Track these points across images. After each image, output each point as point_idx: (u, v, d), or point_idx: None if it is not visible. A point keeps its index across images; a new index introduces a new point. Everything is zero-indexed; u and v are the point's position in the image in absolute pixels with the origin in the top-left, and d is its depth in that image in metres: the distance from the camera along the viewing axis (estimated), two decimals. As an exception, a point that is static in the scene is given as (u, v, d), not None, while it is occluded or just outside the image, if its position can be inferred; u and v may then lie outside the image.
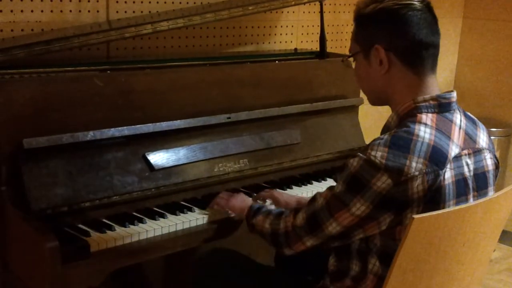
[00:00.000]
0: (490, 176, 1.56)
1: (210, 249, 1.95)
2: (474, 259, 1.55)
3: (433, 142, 1.42)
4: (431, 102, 1.49)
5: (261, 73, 2.40)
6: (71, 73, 2.01)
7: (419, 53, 1.49)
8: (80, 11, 2.24)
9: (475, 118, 1.62)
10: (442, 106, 1.49)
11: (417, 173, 1.38)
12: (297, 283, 1.80)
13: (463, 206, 1.46)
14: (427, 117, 1.46)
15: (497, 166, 1.60)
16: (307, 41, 2.99)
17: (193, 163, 2.05)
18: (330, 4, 3.05)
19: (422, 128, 1.43)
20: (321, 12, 2.62)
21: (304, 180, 2.29)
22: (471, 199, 1.50)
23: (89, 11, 2.26)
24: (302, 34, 2.98)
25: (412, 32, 1.47)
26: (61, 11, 2.20)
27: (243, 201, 1.90)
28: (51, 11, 2.18)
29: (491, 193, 1.55)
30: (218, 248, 1.95)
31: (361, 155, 1.43)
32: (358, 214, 1.43)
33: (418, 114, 1.47)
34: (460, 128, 1.50)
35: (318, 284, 1.69)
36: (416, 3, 1.49)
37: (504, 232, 3.74)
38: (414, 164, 1.38)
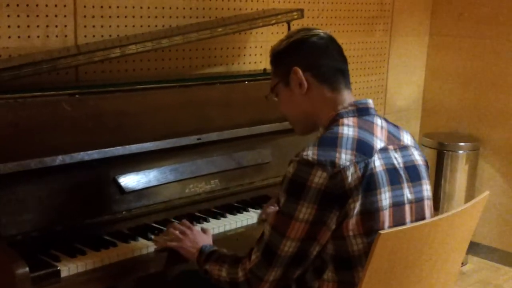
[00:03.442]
0: (422, 170, 1.64)
1: (181, 271, 1.94)
2: (442, 272, 1.57)
3: (357, 137, 1.53)
4: (350, 108, 1.61)
5: (231, 94, 2.43)
6: (40, 98, 2.00)
7: (331, 73, 1.63)
8: (48, 36, 2.24)
9: (397, 125, 1.72)
10: (361, 111, 1.61)
11: (348, 163, 1.47)
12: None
13: (428, 221, 1.50)
14: (349, 120, 1.58)
15: (427, 163, 1.69)
16: (276, 61, 3.02)
17: (164, 185, 2.06)
18: (297, 25, 3.09)
19: (345, 127, 1.56)
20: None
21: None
22: (407, 189, 1.57)
23: (57, 36, 2.26)
24: (271, 54, 3.01)
25: (323, 56, 1.64)
26: (29, 36, 2.20)
27: (194, 242, 1.83)
28: (19, 37, 2.18)
29: (425, 185, 1.64)
30: (187, 270, 1.95)
31: (295, 158, 1.52)
32: (305, 218, 1.48)
33: (340, 119, 1.59)
34: (382, 128, 1.61)
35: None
36: (321, 34, 1.67)
37: (476, 245, 3.81)
38: (343, 156, 1.48)
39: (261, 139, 2.37)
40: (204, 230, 1.94)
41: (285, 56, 1.68)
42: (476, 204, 1.60)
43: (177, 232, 1.88)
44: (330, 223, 1.48)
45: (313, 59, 1.64)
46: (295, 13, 2.64)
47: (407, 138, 1.67)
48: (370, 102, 1.66)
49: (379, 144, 1.56)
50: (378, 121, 1.63)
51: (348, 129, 1.55)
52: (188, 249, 1.81)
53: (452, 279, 1.66)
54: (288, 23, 2.65)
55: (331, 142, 1.51)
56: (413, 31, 3.88)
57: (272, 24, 2.68)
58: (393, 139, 1.62)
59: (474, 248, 3.79)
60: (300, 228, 1.49)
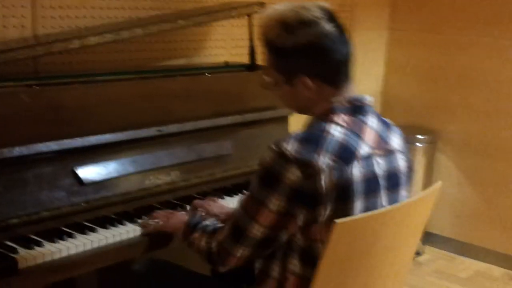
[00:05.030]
0: (402, 177, 1.63)
1: (145, 260, 1.95)
2: (395, 261, 1.61)
3: (342, 140, 1.51)
4: (345, 103, 1.58)
5: (192, 86, 2.43)
6: (-3, 89, 1.98)
7: (338, 71, 1.59)
8: (5, 26, 2.21)
9: (390, 123, 1.71)
10: (356, 109, 1.59)
11: (324, 166, 1.45)
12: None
13: (382, 210, 1.53)
14: (340, 118, 1.55)
15: (410, 168, 1.68)
16: (237, 54, 3.03)
17: (124, 176, 2.06)
18: (259, 18, 3.11)
19: (334, 126, 1.53)
20: (250, 25, 2.67)
21: (236, 190, 2.32)
22: (383, 197, 1.57)
23: (14, 26, 2.23)
24: (232, 47, 3.03)
25: (330, 57, 1.57)
26: (-14, 26, 2.17)
27: (180, 219, 1.86)
28: (-25, 27, 2.15)
29: (403, 192, 1.64)
30: (153, 260, 1.96)
31: (274, 147, 1.50)
32: (275, 209, 1.49)
33: (331, 115, 1.56)
34: (372, 129, 1.58)
35: None
36: (326, 26, 1.56)
37: (432, 235, 3.89)
38: (322, 159, 1.46)
39: (222, 131, 2.38)
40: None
41: (290, 57, 1.58)
42: (428, 194, 1.64)
43: (160, 216, 1.92)
44: (298, 218, 1.50)
45: (321, 65, 1.57)
46: (255, 6, 2.65)
47: (395, 142, 1.65)
48: (368, 99, 1.63)
49: (363, 149, 1.53)
50: (370, 121, 1.60)
51: (336, 128, 1.52)
52: (175, 225, 1.84)
53: (406, 267, 1.70)
54: (249, 16, 2.66)
55: (315, 140, 1.49)
56: (373, 25, 3.93)
57: (233, 17, 2.69)
58: (381, 142, 1.59)
59: (430, 238, 3.88)
60: (269, 216, 1.50)
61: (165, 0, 2.67)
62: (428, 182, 3.85)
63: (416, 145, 3.77)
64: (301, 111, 1.68)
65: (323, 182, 1.45)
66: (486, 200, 3.77)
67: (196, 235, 1.72)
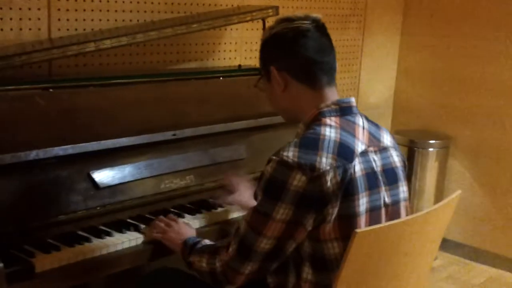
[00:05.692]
0: (399, 172, 1.65)
1: (156, 268, 1.94)
2: (415, 269, 1.60)
3: (339, 140, 1.52)
4: (333, 106, 1.59)
5: (206, 90, 2.42)
6: (13, 92, 1.98)
7: (309, 71, 1.60)
8: (21, 29, 2.21)
9: (377, 123, 1.72)
10: (343, 110, 1.60)
11: (328, 167, 1.45)
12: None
13: (402, 219, 1.52)
14: (331, 120, 1.57)
15: (404, 164, 1.69)
16: (250, 58, 3.03)
17: (139, 180, 2.04)
18: (272, 22, 3.10)
19: (328, 128, 1.54)
20: (264, 29, 2.67)
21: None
22: (384, 193, 1.58)
23: (30, 29, 2.23)
24: (246, 50, 3.02)
25: (301, 53, 1.58)
26: (2, 29, 2.17)
27: (179, 234, 1.84)
28: (-9, 29, 2.15)
29: (402, 187, 1.65)
30: (164, 267, 1.95)
31: (274, 157, 1.50)
32: (282, 218, 1.47)
33: (322, 118, 1.57)
34: (363, 128, 1.60)
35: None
36: (305, 25, 1.59)
37: (445, 241, 3.86)
38: (324, 160, 1.46)
39: (236, 135, 2.37)
40: (186, 223, 1.95)
41: (265, 51, 1.67)
42: (448, 203, 1.62)
43: (162, 224, 1.89)
44: (307, 224, 1.48)
45: (290, 58, 1.60)
46: (270, 10, 2.64)
47: (386, 139, 1.67)
48: (353, 100, 1.64)
49: (359, 147, 1.55)
50: (360, 121, 1.62)
51: (331, 130, 1.54)
52: (173, 241, 1.82)
53: (425, 275, 1.68)
54: (263, 20, 2.66)
55: (313, 144, 1.50)
56: (385, 30, 3.93)
57: (247, 21, 2.68)
58: (373, 140, 1.61)
59: (443, 244, 3.82)
60: (276, 227, 1.49)
61: (180, 4, 2.67)
62: (440, 187, 3.83)
63: (429, 150, 3.75)
64: (290, 117, 1.70)
65: (329, 183, 1.45)
66: (499, 205, 3.74)
67: (196, 257, 1.69)
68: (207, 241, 1.76)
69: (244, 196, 1.97)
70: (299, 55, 1.59)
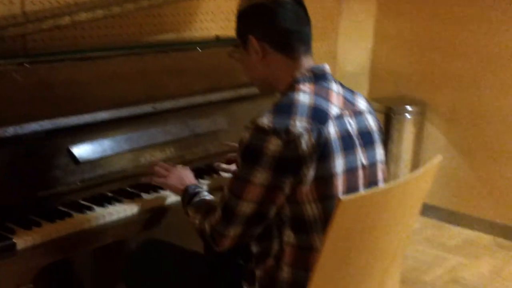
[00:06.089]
0: (375, 135, 1.69)
1: (140, 240, 1.96)
2: (397, 235, 1.63)
3: (313, 104, 1.56)
4: (306, 73, 1.63)
5: (185, 61, 2.41)
6: (-13, 68, 1.95)
7: (288, 40, 1.64)
8: (-7, 2, 2.17)
9: (352, 90, 1.75)
10: (317, 77, 1.64)
11: (302, 130, 1.49)
12: (228, 268, 1.84)
13: (385, 187, 1.54)
14: (305, 86, 1.61)
15: (380, 128, 1.74)
16: (228, 28, 3.01)
17: (119, 154, 2.04)
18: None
19: (302, 94, 1.58)
20: (241, -1, 2.64)
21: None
22: (360, 154, 1.62)
23: (2, 2, 2.19)
24: (222, 20, 3.00)
25: (279, 22, 1.62)
26: (-27, 3, 2.13)
27: (180, 180, 1.89)
28: (-37, 3, 2.11)
29: (378, 149, 1.69)
30: (148, 239, 1.96)
31: (250, 125, 1.54)
32: (261, 182, 1.51)
33: (297, 85, 1.61)
34: (337, 93, 1.64)
35: (247, 268, 1.74)
36: None
37: (422, 204, 3.91)
38: (298, 123, 1.50)
39: (215, 106, 2.37)
40: (183, 166, 1.99)
41: (243, 21, 1.69)
42: (429, 168, 1.65)
43: (162, 170, 1.94)
44: (285, 188, 1.52)
45: (269, 27, 1.63)
46: (246, -21, 2.61)
47: (361, 103, 1.70)
48: (327, 67, 1.68)
49: (334, 110, 1.59)
50: (334, 87, 1.65)
51: (304, 95, 1.57)
52: (174, 185, 1.89)
53: (406, 240, 1.72)
54: (240, -11, 2.63)
55: (287, 109, 1.54)
56: (362, -3, 3.92)
57: (224, -10, 2.66)
58: (348, 104, 1.65)
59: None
60: (255, 191, 1.52)
61: (155, -26, 2.63)
62: (417, 153, 3.88)
63: (405, 116, 3.79)
64: (264, 85, 1.73)
65: (304, 145, 1.48)
66: (474, 169, 3.81)
67: (192, 210, 1.73)
68: (205, 194, 1.80)
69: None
70: (278, 25, 1.62)
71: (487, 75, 3.67)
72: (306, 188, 1.52)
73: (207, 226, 1.64)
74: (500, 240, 3.72)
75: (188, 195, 1.80)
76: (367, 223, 1.48)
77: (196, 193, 1.80)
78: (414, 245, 3.61)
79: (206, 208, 1.71)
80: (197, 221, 1.69)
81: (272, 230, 1.62)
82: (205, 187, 1.96)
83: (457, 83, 3.80)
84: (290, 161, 1.49)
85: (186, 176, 1.93)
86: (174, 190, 1.89)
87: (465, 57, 3.74)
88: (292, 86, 1.62)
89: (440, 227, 3.90)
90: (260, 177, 1.51)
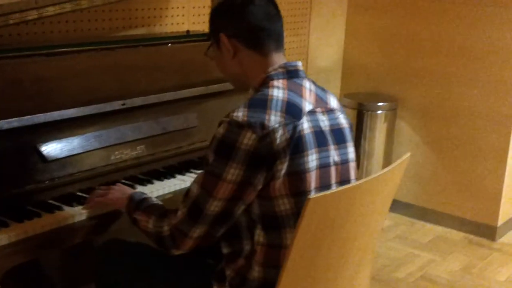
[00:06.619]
0: (347, 133, 1.70)
1: (109, 238, 1.92)
2: (367, 231, 1.63)
3: (287, 99, 1.56)
4: (280, 70, 1.63)
5: (155, 57, 2.37)
6: (-48, 64, 1.90)
7: (258, 37, 1.64)
8: (-43, -4, 2.11)
9: (324, 88, 1.75)
10: (290, 73, 1.64)
11: (277, 125, 1.50)
12: (197, 267, 1.82)
13: (353, 184, 1.54)
14: (278, 82, 1.61)
15: (351, 126, 1.75)
16: (198, 23, 2.98)
17: (89, 152, 2.00)
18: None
19: (275, 90, 1.58)
20: (212, -7, 2.62)
21: (203, 163, 2.29)
22: (333, 151, 1.63)
23: (-33, -4, 2.13)
24: (194, 15, 2.97)
25: (249, 20, 1.63)
26: None
27: (122, 192, 1.82)
28: None
29: (350, 148, 1.70)
30: (116, 238, 1.93)
31: (224, 119, 1.53)
32: (233, 179, 1.49)
33: (270, 81, 1.61)
34: (310, 90, 1.65)
35: (217, 267, 1.72)
36: None
37: (394, 201, 3.92)
38: (273, 118, 1.50)
39: (187, 103, 2.34)
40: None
41: (214, 19, 1.70)
42: (398, 166, 1.65)
43: (101, 190, 1.86)
44: (257, 184, 1.51)
45: (239, 25, 1.64)
46: (218, -26, 2.59)
47: (333, 102, 1.71)
48: (300, 64, 1.68)
49: (307, 106, 1.59)
50: (307, 84, 1.65)
51: (278, 91, 1.57)
52: (117, 199, 1.79)
53: (375, 236, 1.72)
54: (211, -16, 2.60)
55: (261, 103, 1.53)
56: (333, -8, 3.91)
57: (195, -16, 2.63)
58: (320, 102, 1.65)
59: (392, 204, 3.91)
60: (227, 188, 1.51)
61: (125, -32, 2.59)
62: (389, 149, 3.90)
63: (377, 113, 3.80)
64: (238, 82, 1.74)
65: (278, 140, 1.48)
66: (445, 165, 3.84)
67: (142, 215, 1.68)
68: (154, 200, 1.75)
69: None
70: (248, 22, 1.63)
71: (458, 71, 3.70)
72: (279, 183, 1.51)
73: (166, 228, 1.60)
74: (472, 237, 3.76)
75: (134, 201, 1.73)
76: (336, 220, 1.48)
77: (144, 199, 1.74)
78: (386, 242, 3.63)
79: (160, 210, 1.66)
80: (150, 225, 1.64)
81: (242, 231, 1.60)
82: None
83: (428, 79, 3.82)
84: (264, 156, 1.49)
85: (129, 188, 1.86)
86: (118, 202, 1.78)
87: (437, 53, 3.76)
88: (266, 82, 1.62)
89: (411, 224, 3.92)
90: (233, 173, 1.49)
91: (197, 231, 1.55)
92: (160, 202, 1.75)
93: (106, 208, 1.86)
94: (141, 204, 1.72)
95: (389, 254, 3.49)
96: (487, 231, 3.73)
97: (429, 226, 3.90)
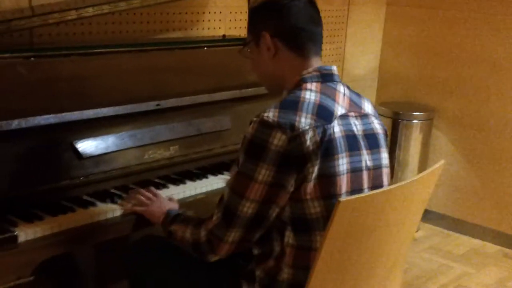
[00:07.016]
0: (381, 138, 1.68)
1: (141, 237, 1.94)
2: (397, 239, 1.61)
3: (319, 102, 1.55)
4: (314, 73, 1.63)
5: (190, 60, 2.40)
6: (-6, 61, 1.95)
7: (300, 39, 1.63)
8: (1, -4, 2.17)
9: (359, 93, 1.74)
10: (324, 76, 1.63)
11: (307, 127, 1.49)
12: (228, 266, 1.82)
13: (385, 189, 1.53)
14: (312, 85, 1.60)
15: (385, 132, 1.72)
16: (235, 28, 3.00)
17: (123, 151, 2.03)
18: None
19: (308, 92, 1.57)
20: (249, -2, 2.64)
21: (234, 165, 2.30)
22: (365, 156, 1.61)
23: (10, -4, 2.19)
24: (230, 20, 2.99)
25: (293, 20, 1.63)
26: (-19, -4, 2.13)
27: (160, 209, 1.84)
28: (-31, -4, 2.10)
29: (384, 154, 1.68)
30: (149, 236, 1.95)
31: (255, 119, 1.53)
32: (264, 180, 1.49)
33: (304, 84, 1.60)
34: (344, 95, 1.64)
35: (247, 267, 1.72)
36: None
37: (428, 212, 3.90)
38: (303, 119, 1.50)
39: (220, 106, 2.36)
40: (170, 199, 1.95)
41: (257, 17, 1.69)
42: (431, 173, 1.63)
43: (142, 198, 1.89)
44: (289, 186, 1.50)
45: (283, 24, 1.63)
46: (255, -21, 2.61)
47: (368, 107, 1.69)
48: (335, 68, 1.67)
49: (340, 110, 1.58)
50: (341, 88, 1.64)
51: (311, 93, 1.57)
52: (154, 213, 1.83)
53: (407, 245, 1.70)
54: (248, -12, 2.63)
55: (293, 105, 1.53)
56: (370, 1, 3.90)
57: (232, -10, 2.65)
58: (354, 106, 1.64)
59: (426, 215, 3.88)
60: (259, 189, 1.50)
61: (163, -28, 2.62)
62: (424, 159, 3.86)
63: (413, 122, 3.77)
64: (273, 84, 1.72)
65: (308, 142, 1.48)
66: (481, 177, 3.78)
67: (179, 227, 1.70)
68: (190, 213, 1.77)
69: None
70: (293, 23, 1.63)
71: (495, 82, 3.64)
72: (310, 186, 1.50)
73: (202, 233, 1.61)
74: (507, 250, 3.68)
75: (170, 216, 1.76)
76: (367, 225, 1.47)
77: (179, 214, 1.76)
78: (420, 253, 3.58)
79: (196, 220, 1.68)
80: (187, 234, 1.65)
81: (272, 232, 1.60)
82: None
83: (465, 89, 3.77)
84: (294, 158, 1.48)
85: (168, 204, 1.88)
86: (155, 217, 1.82)
87: (474, 63, 3.71)
88: (299, 85, 1.61)
89: (446, 236, 3.86)
90: (264, 173, 1.49)
91: (231, 235, 1.56)
92: (196, 215, 1.75)
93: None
94: (177, 217, 1.74)
95: (422, 265, 3.44)
96: (523, 245, 3.66)
97: (463, 238, 3.83)
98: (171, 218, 1.75)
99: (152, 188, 1.97)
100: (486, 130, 3.71)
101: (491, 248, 3.71)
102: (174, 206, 1.89)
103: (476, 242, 3.78)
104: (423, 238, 3.79)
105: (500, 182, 3.70)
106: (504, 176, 3.68)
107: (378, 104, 3.95)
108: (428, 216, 3.91)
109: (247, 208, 1.53)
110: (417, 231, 3.84)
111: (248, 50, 1.73)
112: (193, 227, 1.65)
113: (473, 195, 3.82)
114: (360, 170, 1.59)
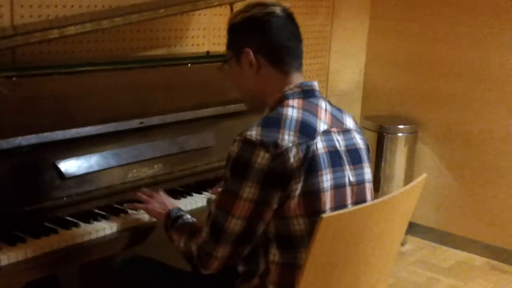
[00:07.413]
0: (363, 154, 1.68)
1: (127, 257, 1.93)
2: (382, 253, 1.61)
3: (301, 119, 1.56)
4: (296, 89, 1.63)
5: (174, 77, 2.39)
6: (-26, 81, 1.93)
7: (282, 55, 1.64)
8: (-18, 16, 2.16)
9: (340, 108, 1.74)
10: (306, 92, 1.63)
11: (290, 144, 1.49)
12: (214, 286, 1.81)
13: (368, 204, 1.53)
14: (294, 101, 1.60)
15: (368, 147, 1.73)
16: (219, 44, 3.00)
17: (106, 170, 2.01)
18: (241, 7, 3.07)
19: (290, 109, 1.58)
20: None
21: (218, 182, 2.29)
22: (348, 172, 1.61)
23: (-9, 15, 2.18)
24: (214, 37, 2.99)
25: (275, 37, 1.63)
26: (-38, 16, 2.11)
27: (162, 207, 1.86)
28: (-49, 16, 2.09)
29: (366, 169, 1.68)
30: (135, 256, 1.93)
31: (238, 138, 1.53)
32: (249, 197, 1.50)
33: (285, 100, 1.61)
34: (326, 110, 1.64)
35: (232, 286, 1.71)
36: (277, 12, 1.64)
37: (414, 225, 3.91)
38: (286, 137, 1.50)
39: (204, 122, 2.35)
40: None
41: (238, 33, 1.68)
42: (413, 187, 1.63)
43: (144, 196, 1.92)
44: (273, 203, 1.51)
45: (266, 41, 1.63)
46: (238, -5, 2.61)
47: (349, 122, 1.70)
48: (316, 84, 1.67)
49: (322, 126, 1.58)
50: (323, 104, 1.65)
51: (293, 110, 1.57)
52: (156, 210, 1.85)
53: (391, 259, 1.70)
54: (231, 5, 2.63)
55: (275, 122, 1.53)
56: (354, 15, 3.92)
57: (215, 6, 2.66)
58: (336, 122, 1.64)
59: (412, 228, 3.89)
60: (244, 206, 1.51)
61: (146, -11, 2.62)
62: (409, 172, 3.86)
63: (398, 135, 3.78)
64: (255, 101, 1.71)
65: (291, 159, 1.48)
66: (467, 190, 3.79)
67: (175, 235, 1.70)
68: (188, 217, 1.77)
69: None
70: (275, 40, 1.63)
71: (479, 95, 3.67)
72: (294, 203, 1.50)
73: (193, 248, 1.61)
74: (494, 262, 3.69)
75: (170, 219, 1.76)
76: (351, 240, 1.47)
77: (179, 217, 1.76)
78: (407, 267, 3.58)
79: (190, 229, 1.68)
80: (182, 244, 1.66)
81: (258, 250, 1.60)
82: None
83: (449, 103, 3.79)
84: (278, 175, 1.48)
85: (169, 201, 1.91)
86: (156, 215, 1.85)
87: (458, 76, 3.74)
88: (281, 101, 1.61)
89: (433, 249, 3.87)
90: (249, 192, 1.49)
91: (220, 251, 1.55)
92: (194, 219, 1.76)
93: (125, 225, 1.88)
94: (176, 222, 1.74)
95: (410, 278, 3.44)
96: (510, 257, 3.66)
97: (450, 251, 3.84)
98: (171, 220, 1.75)
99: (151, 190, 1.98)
100: (471, 143, 3.73)
101: (478, 260, 3.72)
102: (173, 202, 1.92)
103: (463, 254, 3.79)
104: (410, 251, 3.79)
105: (486, 194, 3.71)
106: (489, 188, 3.69)
107: (363, 118, 3.96)
108: (415, 229, 3.92)
109: (234, 225, 1.53)
110: (404, 244, 3.84)
111: (228, 67, 1.73)
112: (186, 239, 1.65)
113: (459, 208, 3.83)
114: (343, 186, 1.59)
